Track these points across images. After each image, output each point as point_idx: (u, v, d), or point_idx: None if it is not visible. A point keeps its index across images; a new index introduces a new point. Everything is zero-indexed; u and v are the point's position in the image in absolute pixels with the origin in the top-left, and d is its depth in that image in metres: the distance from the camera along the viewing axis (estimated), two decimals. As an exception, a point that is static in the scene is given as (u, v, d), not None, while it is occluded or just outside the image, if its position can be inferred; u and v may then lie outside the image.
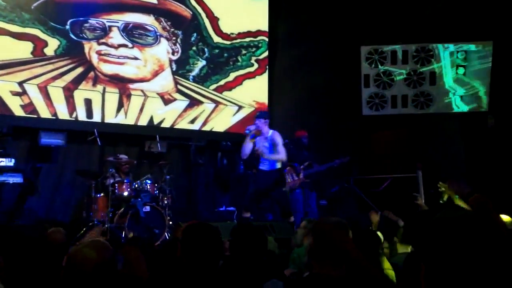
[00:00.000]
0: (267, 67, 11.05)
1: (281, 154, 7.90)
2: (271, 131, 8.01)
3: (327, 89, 11.20)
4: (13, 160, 8.01)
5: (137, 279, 3.13)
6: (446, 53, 10.65)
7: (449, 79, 10.65)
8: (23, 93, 8.73)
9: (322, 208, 9.70)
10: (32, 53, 8.85)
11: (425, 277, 1.45)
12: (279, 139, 7.91)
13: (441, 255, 1.41)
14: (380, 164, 10.88)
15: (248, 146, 7.95)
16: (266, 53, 11.07)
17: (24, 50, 8.78)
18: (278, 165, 8.01)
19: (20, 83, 8.71)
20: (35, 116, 8.78)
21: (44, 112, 8.83)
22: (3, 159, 7.92)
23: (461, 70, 10.61)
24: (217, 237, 3.04)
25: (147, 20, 9.97)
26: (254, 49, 10.97)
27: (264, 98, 10.90)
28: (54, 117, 8.92)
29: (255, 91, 10.83)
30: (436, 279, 1.41)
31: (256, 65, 10.94)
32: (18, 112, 8.66)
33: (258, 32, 11.05)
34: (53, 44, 9.03)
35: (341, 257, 2.27)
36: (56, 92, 8.96)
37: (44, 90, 8.88)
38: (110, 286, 2.68)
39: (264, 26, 11.13)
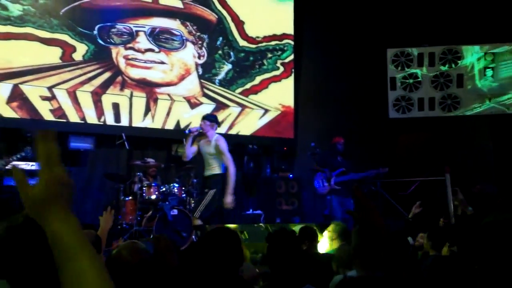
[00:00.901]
0: (293, 70, 11.04)
1: (229, 160, 7.61)
2: (216, 135, 7.73)
3: (353, 92, 11.16)
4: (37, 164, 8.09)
5: (167, 268, 3.14)
6: (474, 55, 10.55)
7: (477, 81, 10.55)
8: (53, 98, 8.84)
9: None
10: (61, 58, 8.95)
11: (480, 280, 1.44)
12: (223, 145, 7.63)
13: (497, 258, 1.39)
14: (407, 167, 10.79)
15: (190, 148, 7.75)
16: (291, 56, 11.08)
17: (53, 55, 8.89)
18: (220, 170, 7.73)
19: (50, 88, 8.83)
20: (64, 120, 8.88)
21: (73, 117, 8.93)
22: (34, 163, 8.02)
23: (489, 72, 10.50)
24: (236, 242, 3.04)
25: (173, 24, 10.03)
26: (279, 52, 10.98)
27: (290, 101, 10.90)
28: (82, 122, 9.02)
29: (281, 94, 10.84)
30: (492, 282, 1.40)
31: (281, 68, 10.94)
32: (48, 116, 8.77)
33: (284, 36, 11.06)
34: (81, 49, 9.14)
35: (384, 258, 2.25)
36: (85, 97, 9.06)
37: (72, 95, 8.98)
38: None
39: (290, 29, 11.14)
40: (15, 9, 8.71)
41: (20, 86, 8.61)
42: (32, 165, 8.00)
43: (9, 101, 8.48)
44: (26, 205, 1.19)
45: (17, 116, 8.51)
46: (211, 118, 7.82)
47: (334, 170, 8.99)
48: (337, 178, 8.94)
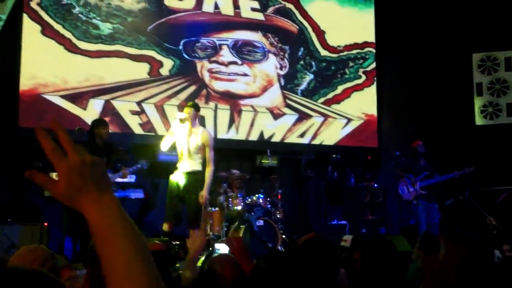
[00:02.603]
0: (375, 78, 10.93)
1: (212, 158, 7.33)
2: (201, 128, 7.53)
3: (437, 99, 10.93)
4: (134, 177, 8.41)
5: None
6: None
7: None
8: (141, 112, 9.16)
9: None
10: (148, 73, 9.27)
11: None
12: (211, 138, 7.41)
13: None
14: (496, 175, 10.45)
15: (169, 139, 7.43)
16: (373, 65, 10.97)
17: (141, 71, 9.21)
18: (201, 167, 7.39)
19: (139, 103, 9.15)
20: (153, 133, 9.17)
21: (161, 130, 9.18)
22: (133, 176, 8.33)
23: None
24: (334, 252, 3.04)
25: (255, 36, 10.17)
26: (361, 61, 10.90)
27: (373, 110, 10.80)
28: (170, 135, 9.26)
29: (363, 103, 10.75)
30: None
31: (364, 77, 10.86)
32: (138, 130, 9.09)
33: (365, 44, 10.97)
34: (167, 64, 9.42)
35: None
36: (172, 110, 9.29)
37: (160, 109, 9.27)
38: None
39: (371, 37, 11.04)
40: (106, 28, 9.09)
41: (111, 101, 8.98)
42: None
43: (102, 116, 8.81)
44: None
45: (109, 131, 8.84)
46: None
47: (418, 175, 8.83)
48: (422, 182, 8.79)
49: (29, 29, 8.62)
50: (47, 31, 8.71)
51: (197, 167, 7.52)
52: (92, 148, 7.09)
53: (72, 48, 8.83)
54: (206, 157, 7.43)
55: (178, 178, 7.48)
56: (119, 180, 8.07)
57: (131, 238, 1.09)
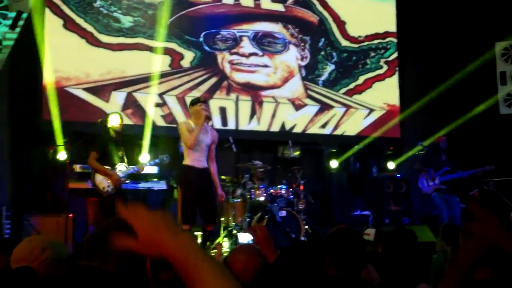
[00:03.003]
0: (397, 68, 10.85)
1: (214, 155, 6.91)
2: (210, 123, 7.19)
3: (460, 88, 10.80)
4: (157, 168, 8.44)
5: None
6: None
7: None
8: (163, 104, 9.20)
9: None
10: (170, 65, 9.31)
11: None
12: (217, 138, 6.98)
13: None
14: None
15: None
16: (395, 55, 10.89)
17: (163, 63, 9.25)
18: None
19: (160, 95, 9.19)
20: (175, 125, 9.17)
21: (183, 121, 9.23)
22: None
23: None
24: (362, 244, 3.02)
25: (276, 28, 10.15)
26: (382, 51, 10.83)
27: (395, 100, 10.72)
28: (192, 126, 9.28)
29: (385, 93, 10.68)
30: None
31: (385, 67, 10.78)
32: (160, 122, 9.14)
33: (386, 34, 10.89)
34: (188, 56, 9.45)
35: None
36: (193, 102, 9.34)
37: (182, 101, 9.30)
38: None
39: (392, 27, 10.95)
40: (127, 21, 9.15)
41: (133, 94, 9.04)
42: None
43: (124, 108, 8.91)
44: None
45: (132, 123, 8.92)
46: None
47: (438, 170, 8.77)
48: (443, 177, 8.71)
49: (52, 23, 8.70)
50: (69, 25, 8.79)
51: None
52: (107, 141, 7.12)
53: (94, 42, 8.91)
54: (211, 154, 6.94)
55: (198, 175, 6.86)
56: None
57: (209, 258, 1.32)
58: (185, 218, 6.53)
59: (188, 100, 9.22)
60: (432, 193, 8.73)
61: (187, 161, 6.68)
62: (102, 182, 6.96)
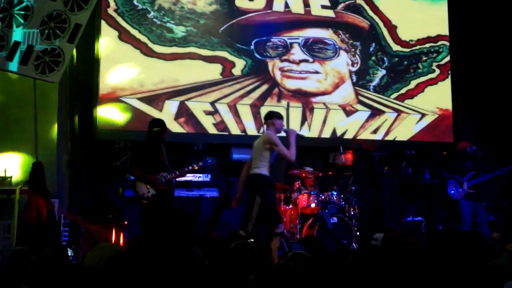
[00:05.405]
0: (450, 72, 10.70)
1: None
2: None
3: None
4: (209, 176, 8.61)
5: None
6: None
7: None
8: (215, 112, 9.36)
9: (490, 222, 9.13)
10: (221, 74, 9.46)
11: None
12: None
13: None
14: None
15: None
16: (447, 58, 10.73)
17: (214, 72, 9.42)
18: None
19: (212, 103, 9.36)
20: (226, 133, 9.35)
21: (234, 129, 9.38)
22: (201, 175, 8.55)
23: None
24: (416, 249, 3.04)
25: (326, 34, 10.18)
26: (434, 55, 10.69)
27: (447, 104, 10.56)
28: (243, 133, 9.42)
29: (438, 97, 10.53)
30: None
31: (437, 71, 10.64)
32: (212, 130, 9.29)
33: (438, 37, 10.75)
34: (240, 64, 9.58)
35: None
36: (244, 110, 9.48)
37: (233, 108, 9.44)
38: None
39: (444, 30, 10.80)
40: (179, 31, 9.36)
41: (186, 102, 9.23)
42: (199, 177, 8.54)
43: (177, 117, 9.12)
44: None
45: (184, 131, 9.12)
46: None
47: (465, 175, 8.67)
48: (470, 182, 8.62)
49: (107, 34, 9.00)
50: (124, 36, 9.07)
51: None
52: (152, 148, 7.05)
53: (148, 52, 9.15)
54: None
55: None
56: (195, 179, 8.33)
57: None
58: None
59: (240, 108, 9.42)
60: (462, 200, 8.64)
61: (266, 172, 7.08)
62: (142, 188, 6.94)
